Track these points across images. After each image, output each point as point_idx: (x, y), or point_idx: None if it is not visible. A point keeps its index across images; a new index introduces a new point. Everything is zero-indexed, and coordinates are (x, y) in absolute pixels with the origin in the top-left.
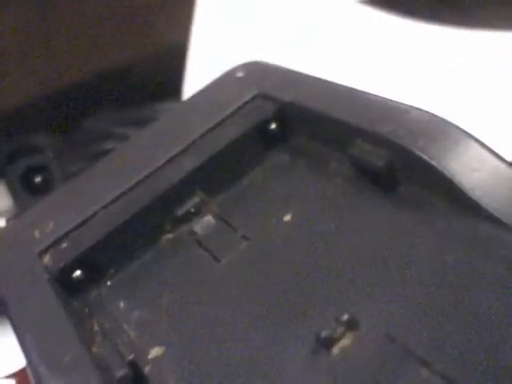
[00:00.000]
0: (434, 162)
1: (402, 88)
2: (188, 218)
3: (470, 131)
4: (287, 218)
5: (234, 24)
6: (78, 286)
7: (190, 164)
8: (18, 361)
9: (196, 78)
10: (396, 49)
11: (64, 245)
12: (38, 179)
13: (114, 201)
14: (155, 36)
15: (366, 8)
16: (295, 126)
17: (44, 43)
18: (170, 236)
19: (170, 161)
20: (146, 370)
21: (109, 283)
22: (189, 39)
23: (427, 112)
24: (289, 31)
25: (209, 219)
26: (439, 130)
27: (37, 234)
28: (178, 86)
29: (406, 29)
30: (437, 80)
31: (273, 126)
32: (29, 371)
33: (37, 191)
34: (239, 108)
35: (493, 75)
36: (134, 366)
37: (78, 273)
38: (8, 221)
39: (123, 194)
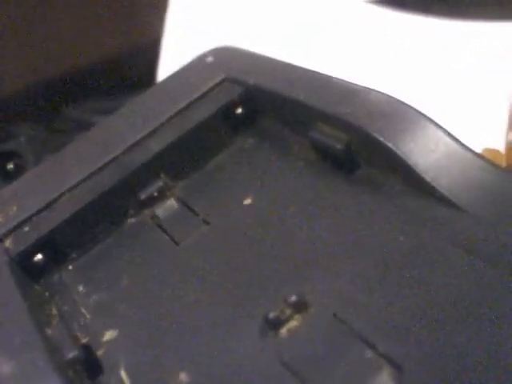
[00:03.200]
0: (390, 144)
1: (403, 84)
2: (151, 201)
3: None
4: (248, 201)
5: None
6: (39, 269)
7: (154, 147)
8: None
9: (171, 67)
10: (399, 45)
11: (26, 228)
12: (10, 165)
13: (77, 184)
14: (135, 26)
15: (369, 6)
16: (261, 110)
17: (27, 33)
18: (133, 220)
19: (135, 144)
20: (100, 352)
21: (70, 267)
22: (163, 31)
23: (386, 94)
24: (290, 29)
25: (171, 203)
26: (396, 111)
27: (0, 217)
28: (153, 77)
29: (411, 25)
30: (440, 75)
31: (239, 109)
32: None
33: (9, 178)
34: (207, 92)
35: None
36: (87, 349)
37: (39, 256)
38: None
39: (87, 177)
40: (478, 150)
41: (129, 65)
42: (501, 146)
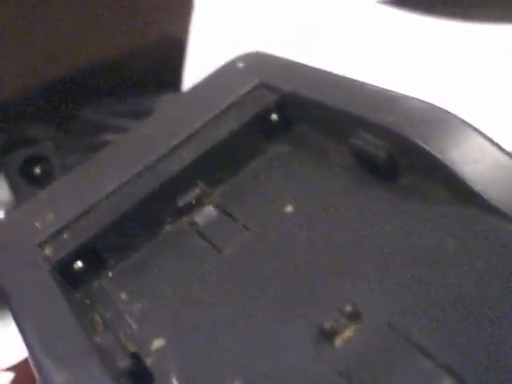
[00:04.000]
0: (435, 152)
1: (412, 82)
2: (189, 208)
3: (471, 122)
4: (288, 208)
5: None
6: (79, 276)
7: (190, 155)
8: (18, 353)
9: (196, 70)
10: (407, 45)
11: (65, 235)
12: (37, 170)
13: (115, 191)
14: (155, 27)
15: (382, 7)
16: (296, 117)
17: (43, 34)
18: (171, 227)
19: (170, 152)
20: (148, 361)
21: (110, 274)
22: (189, 31)
23: (428, 102)
24: (301, 30)
25: (210, 210)
26: (440, 120)
27: (37, 224)
28: (177, 78)
29: (421, 26)
30: (448, 74)
31: (274, 116)
32: (31, 362)
33: (36, 183)
34: (240, 98)
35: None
36: (137, 358)
37: (79, 263)
38: (7, 212)
39: (124, 184)
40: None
41: (146, 67)
42: None
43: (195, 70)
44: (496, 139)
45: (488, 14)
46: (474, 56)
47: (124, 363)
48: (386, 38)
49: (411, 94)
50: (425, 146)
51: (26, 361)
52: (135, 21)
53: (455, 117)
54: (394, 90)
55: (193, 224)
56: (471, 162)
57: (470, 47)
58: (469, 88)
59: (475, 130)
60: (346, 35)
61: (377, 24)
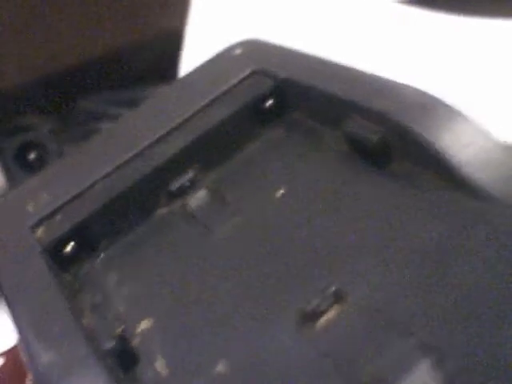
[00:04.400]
0: (428, 137)
1: (430, 81)
2: (182, 192)
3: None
4: (280, 192)
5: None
6: (70, 259)
7: (185, 139)
8: (8, 340)
9: (192, 61)
10: (427, 44)
11: (57, 218)
12: (32, 156)
13: (108, 174)
14: (152, 19)
15: (397, 5)
16: (291, 102)
17: (42, 24)
18: (164, 210)
19: (165, 136)
20: (135, 342)
21: (101, 257)
22: (186, 23)
23: (420, 90)
24: (317, 27)
25: (203, 193)
26: (432, 106)
27: (30, 207)
28: (175, 68)
29: (440, 25)
30: (456, 68)
31: (269, 102)
32: (19, 344)
33: (31, 168)
34: (236, 84)
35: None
36: (123, 339)
37: (70, 246)
38: (1, 197)
39: (118, 168)
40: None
41: (139, 56)
42: None
43: (193, 59)
44: (492, 130)
45: (498, 9)
46: (487, 51)
47: (110, 344)
48: (401, 37)
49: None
50: (416, 130)
51: (15, 347)
52: (133, 15)
53: (446, 104)
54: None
55: (185, 207)
56: (461, 146)
57: (482, 43)
58: (478, 83)
59: (465, 116)
60: (360, 33)
61: (393, 22)
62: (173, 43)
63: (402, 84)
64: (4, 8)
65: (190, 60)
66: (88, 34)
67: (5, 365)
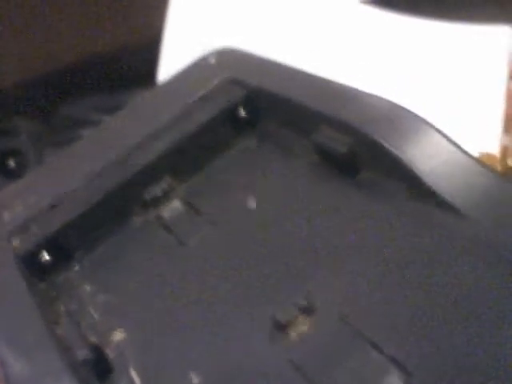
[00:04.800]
0: (392, 148)
1: (396, 86)
2: (156, 202)
3: (432, 118)
4: (252, 202)
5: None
6: (45, 268)
7: (158, 149)
8: None
9: (171, 66)
10: (392, 46)
11: (32, 227)
12: (11, 163)
13: (84, 184)
14: (134, 23)
15: (364, 7)
16: (263, 112)
17: (25, 30)
18: (137, 220)
19: (139, 145)
20: (109, 352)
21: (77, 267)
22: (163, 28)
23: (388, 100)
24: (285, 29)
25: (176, 204)
26: (399, 117)
27: (6, 216)
28: (153, 75)
29: (404, 26)
30: (426, 73)
31: (241, 111)
32: None
33: (10, 175)
34: (209, 93)
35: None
36: (97, 349)
37: (45, 256)
38: None
39: (93, 177)
40: (474, 153)
41: (126, 62)
42: (495, 150)
43: (171, 64)
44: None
45: (470, 14)
46: (454, 56)
47: (83, 354)
48: (367, 38)
49: (386, 93)
50: (383, 142)
51: None
52: (131, 19)
53: (414, 114)
54: (362, 88)
55: (159, 218)
56: (426, 157)
57: (450, 47)
58: (444, 88)
59: (432, 127)
60: (328, 34)
61: (359, 24)
62: (152, 48)
63: (371, 94)
64: None
65: (168, 65)
66: (75, 38)
67: None
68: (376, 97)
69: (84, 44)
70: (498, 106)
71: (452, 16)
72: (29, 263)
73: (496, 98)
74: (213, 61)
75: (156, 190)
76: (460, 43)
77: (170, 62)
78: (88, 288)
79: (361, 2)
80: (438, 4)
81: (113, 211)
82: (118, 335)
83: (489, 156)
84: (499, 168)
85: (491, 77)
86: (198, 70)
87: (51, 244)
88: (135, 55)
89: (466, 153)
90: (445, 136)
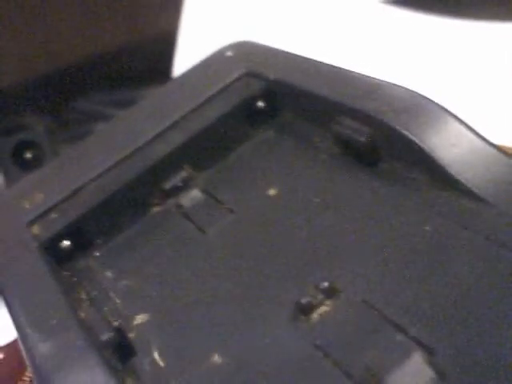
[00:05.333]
0: (413, 138)
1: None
2: (175, 191)
3: (452, 110)
4: (272, 192)
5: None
6: (66, 255)
7: (178, 139)
8: (7, 335)
9: (186, 62)
10: (413, 44)
11: (53, 215)
12: (28, 155)
13: (103, 173)
14: (147, 20)
15: (383, 6)
16: (282, 104)
17: (39, 25)
18: (157, 209)
19: (158, 136)
20: (131, 335)
21: (97, 253)
22: (179, 24)
23: (408, 89)
24: (305, 28)
25: (196, 193)
26: (420, 106)
27: (27, 204)
28: (169, 70)
29: (424, 25)
30: (446, 71)
31: (260, 103)
32: (18, 337)
33: (27, 167)
34: (227, 86)
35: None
36: (120, 332)
37: (66, 243)
38: None
39: (112, 167)
40: None
41: (135, 57)
42: (511, 143)
43: (187, 60)
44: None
45: (486, 12)
46: (473, 53)
47: (106, 336)
48: (387, 37)
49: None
50: (404, 131)
51: (14, 342)
52: (131, 17)
53: (434, 103)
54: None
55: (179, 206)
56: (448, 146)
57: (468, 45)
58: (466, 85)
59: (453, 115)
60: (347, 33)
61: (379, 23)
62: (167, 44)
63: (391, 84)
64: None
65: (183, 61)
66: (87, 35)
67: (4, 359)
68: (396, 86)
69: (92, 41)
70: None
71: (466, 14)
72: (50, 250)
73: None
74: (230, 54)
75: (176, 179)
76: (479, 40)
77: (186, 57)
78: (109, 274)
79: (380, 2)
80: (458, 3)
81: (133, 200)
82: (140, 319)
83: (504, 149)
84: None
85: (506, 72)
86: (215, 62)
87: (72, 231)
88: (143, 52)
89: (487, 141)
90: (466, 125)
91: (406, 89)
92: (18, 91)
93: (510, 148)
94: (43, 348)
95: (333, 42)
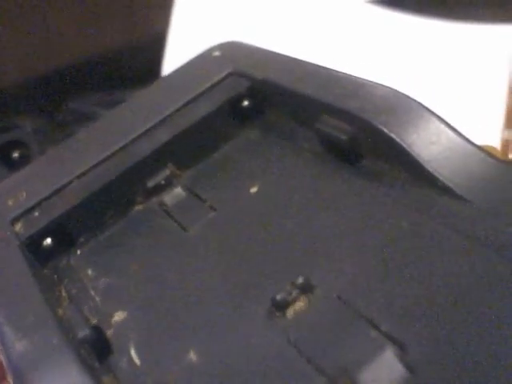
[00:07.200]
0: (393, 135)
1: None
2: (158, 189)
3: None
4: (254, 189)
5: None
6: (48, 253)
7: (162, 137)
8: None
9: (176, 63)
10: (397, 45)
11: (36, 213)
12: (15, 154)
13: (86, 171)
14: (137, 21)
15: (369, 6)
16: (267, 103)
17: (30, 26)
18: (140, 207)
19: (143, 134)
20: (109, 333)
21: (79, 252)
22: (168, 25)
23: (390, 88)
24: (292, 27)
25: (179, 191)
26: (401, 104)
27: (10, 202)
28: (157, 70)
29: (409, 26)
30: (437, 75)
31: (245, 102)
32: None
33: (14, 167)
34: (213, 85)
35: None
36: (97, 330)
37: (48, 240)
38: None
39: (96, 165)
40: None
41: (129, 59)
42: (497, 143)
43: (176, 61)
44: (488, 137)
45: (474, 14)
46: (458, 54)
47: (83, 333)
48: (373, 37)
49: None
50: (384, 129)
51: None
52: (134, 15)
53: (416, 101)
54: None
55: (161, 204)
56: (427, 143)
57: (453, 45)
58: (447, 83)
59: (433, 114)
60: (333, 33)
61: (364, 23)
62: (158, 44)
63: (373, 83)
64: None
65: (173, 62)
66: (80, 36)
67: None
68: (379, 85)
69: (86, 42)
70: (500, 101)
71: (456, 16)
72: (31, 248)
73: (498, 94)
74: (217, 53)
75: (159, 177)
76: (464, 42)
77: (175, 59)
78: (90, 272)
79: (366, 2)
80: (443, 4)
81: (115, 198)
82: (119, 316)
83: (490, 149)
84: None
85: (494, 73)
86: (202, 62)
87: (54, 229)
88: (138, 52)
89: (467, 139)
90: (446, 123)
91: (389, 88)
92: (11, 92)
93: (493, 149)
94: (19, 346)
95: (317, 40)
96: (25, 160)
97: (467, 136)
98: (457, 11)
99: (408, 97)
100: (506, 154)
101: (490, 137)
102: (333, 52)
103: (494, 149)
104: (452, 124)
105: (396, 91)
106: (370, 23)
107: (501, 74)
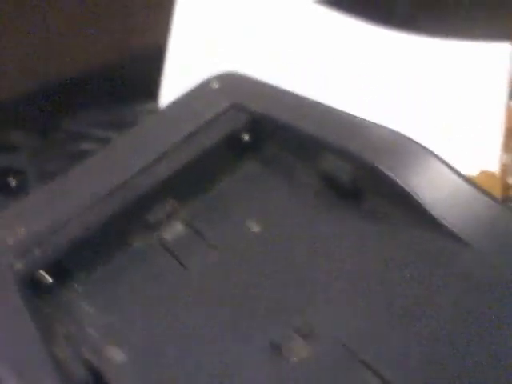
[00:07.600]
0: (396, 178)
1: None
2: (159, 225)
3: (431, 147)
4: (255, 228)
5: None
6: (46, 290)
7: (162, 173)
8: None
9: (173, 80)
10: (340, 47)
11: (35, 249)
12: (12, 182)
13: (86, 207)
14: (134, 37)
15: (322, 8)
16: (267, 138)
17: (24, 43)
18: (140, 242)
19: (143, 169)
20: (107, 374)
21: (78, 287)
22: (167, 41)
23: (392, 130)
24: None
25: (179, 227)
26: (403, 147)
27: (9, 237)
28: (155, 89)
29: (358, 31)
30: (373, 78)
31: (245, 136)
32: None
33: (11, 194)
34: (213, 118)
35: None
36: (95, 371)
37: (46, 277)
38: None
39: (96, 200)
40: (475, 172)
41: (124, 77)
42: (495, 168)
43: (174, 79)
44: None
45: (471, 31)
46: (455, 73)
47: (81, 376)
48: (319, 39)
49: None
50: (387, 171)
51: None
52: (121, 32)
53: (418, 144)
54: (360, 115)
55: (161, 240)
56: (430, 187)
57: (451, 63)
58: (445, 105)
59: (435, 156)
60: (281, 34)
61: (312, 24)
62: (154, 61)
63: (375, 124)
64: None
65: (171, 79)
66: (75, 51)
67: None
68: (380, 126)
69: (83, 55)
70: (498, 124)
71: (453, 33)
72: (30, 284)
73: (496, 116)
74: (216, 85)
75: (159, 213)
76: (461, 60)
77: (173, 78)
78: (88, 309)
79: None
80: (440, 21)
81: (115, 233)
82: (118, 357)
83: (489, 174)
84: (499, 187)
85: (492, 94)
86: (200, 94)
87: (53, 266)
88: (135, 69)
89: (469, 182)
90: (447, 164)
91: (390, 129)
92: (6, 109)
93: (492, 174)
94: None
95: (264, 42)
96: (21, 186)
97: (466, 164)
98: (453, 28)
99: (411, 139)
100: (505, 179)
101: (489, 162)
102: (277, 52)
103: (493, 174)
104: (451, 152)
105: (399, 133)
106: (316, 24)
107: (498, 95)
